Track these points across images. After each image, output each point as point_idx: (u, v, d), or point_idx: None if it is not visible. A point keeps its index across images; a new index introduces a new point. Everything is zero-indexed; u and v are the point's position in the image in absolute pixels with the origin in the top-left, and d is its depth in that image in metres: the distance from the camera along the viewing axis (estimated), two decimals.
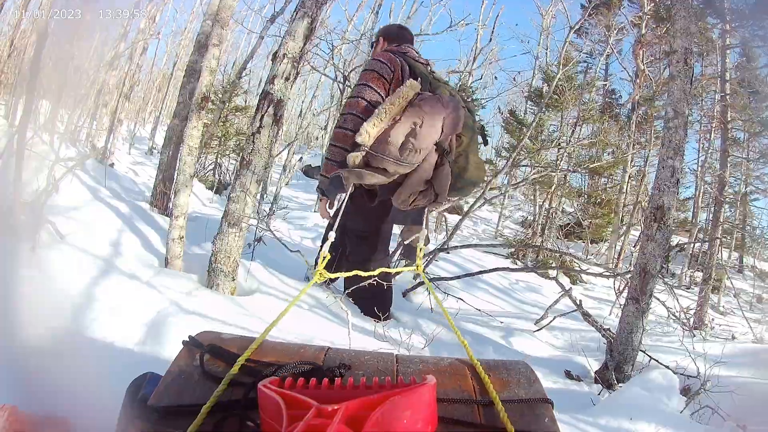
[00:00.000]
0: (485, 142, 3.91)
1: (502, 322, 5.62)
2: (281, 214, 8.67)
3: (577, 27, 17.72)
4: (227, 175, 11.48)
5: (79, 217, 4.50)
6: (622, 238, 14.30)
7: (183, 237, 4.22)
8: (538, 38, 16.25)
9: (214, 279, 3.90)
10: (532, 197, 14.63)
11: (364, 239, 4.04)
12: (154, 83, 23.95)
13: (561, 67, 10.32)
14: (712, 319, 9.38)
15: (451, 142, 3.32)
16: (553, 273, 7.20)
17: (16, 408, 1.09)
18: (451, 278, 6.16)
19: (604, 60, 18.25)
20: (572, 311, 5.60)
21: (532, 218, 15.00)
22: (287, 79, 3.96)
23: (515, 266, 8.90)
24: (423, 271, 2.61)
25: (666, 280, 6.73)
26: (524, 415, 1.15)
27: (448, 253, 6.74)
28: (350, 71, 8.09)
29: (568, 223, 14.13)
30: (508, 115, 14.99)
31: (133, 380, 1.37)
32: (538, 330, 5.66)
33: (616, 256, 13.98)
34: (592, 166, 12.91)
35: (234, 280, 3.96)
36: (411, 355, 1.41)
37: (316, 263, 4.24)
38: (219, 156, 11.50)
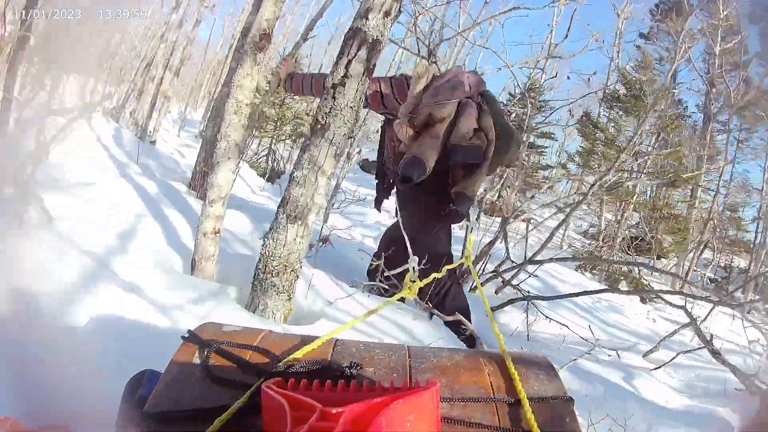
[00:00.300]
0: None
1: (609, 356, 4.56)
2: (339, 209, 7.35)
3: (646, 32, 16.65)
4: (281, 163, 10.21)
5: (88, 195, 3.28)
6: (691, 255, 12.97)
7: (219, 231, 2.85)
8: (614, 39, 15.01)
9: (261, 297, 2.55)
10: (598, 207, 13.30)
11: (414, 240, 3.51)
12: (209, 66, 22.98)
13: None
14: None
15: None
16: (671, 298, 5.76)
17: (17, 421, 0.90)
18: (550, 298, 5.17)
19: (673, 69, 16.88)
20: (699, 348, 4.66)
21: (596, 229, 14.17)
22: (387, 14, 2.64)
23: (630, 290, 7.68)
24: (471, 262, 2.09)
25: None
26: (544, 414, 1.01)
27: (520, 265, 5.45)
28: (437, 44, 6.32)
29: (638, 237, 12.63)
30: (583, 117, 13.55)
31: (131, 378, 1.23)
32: (656, 368, 4.51)
33: (684, 275, 12.59)
34: (686, 175, 11.44)
35: (290, 299, 2.61)
36: (424, 348, 1.26)
37: (369, 273, 3.99)
38: (273, 141, 10.24)
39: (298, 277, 2.65)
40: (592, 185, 6.14)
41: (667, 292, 4.80)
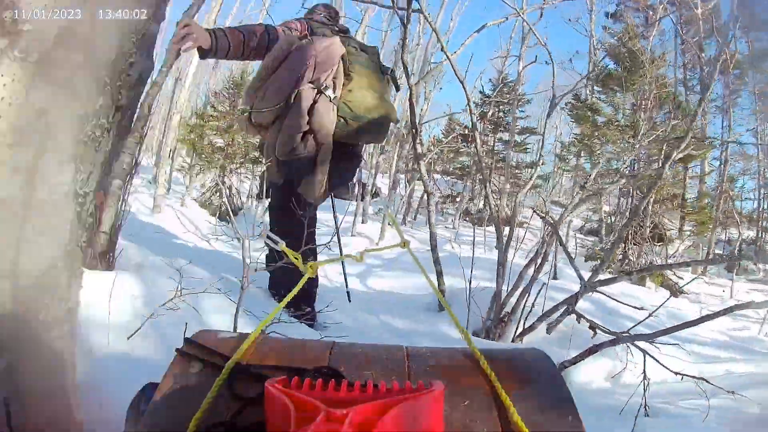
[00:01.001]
0: (397, 88, 3.72)
1: None
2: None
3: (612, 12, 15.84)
4: (238, 197, 8.53)
5: None
6: (709, 236, 11.67)
7: None
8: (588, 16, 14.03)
9: None
10: (595, 201, 12.09)
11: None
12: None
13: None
14: None
15: (335, 80, 3.14)
16: None
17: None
18: (660, 333, 3.15)
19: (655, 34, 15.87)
20: None
21: (591, 225, 13.48)
22: None
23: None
24: (409, 247, 1.62)
25: None
26: (546, 414, 0.96)
27: (587, 289, 3.67)
28: None
29: (653, 223, 11.19)
30: (574, 102, 12.09)
31: (138, 392, 1.17)
32: None
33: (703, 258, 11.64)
34: (707, 143, 10.11)
35: None
36: (422, 349, 1.19)
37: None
38: (223, 174, 8.70)
39: None
40: (664, 162, 4.41)
41: None
